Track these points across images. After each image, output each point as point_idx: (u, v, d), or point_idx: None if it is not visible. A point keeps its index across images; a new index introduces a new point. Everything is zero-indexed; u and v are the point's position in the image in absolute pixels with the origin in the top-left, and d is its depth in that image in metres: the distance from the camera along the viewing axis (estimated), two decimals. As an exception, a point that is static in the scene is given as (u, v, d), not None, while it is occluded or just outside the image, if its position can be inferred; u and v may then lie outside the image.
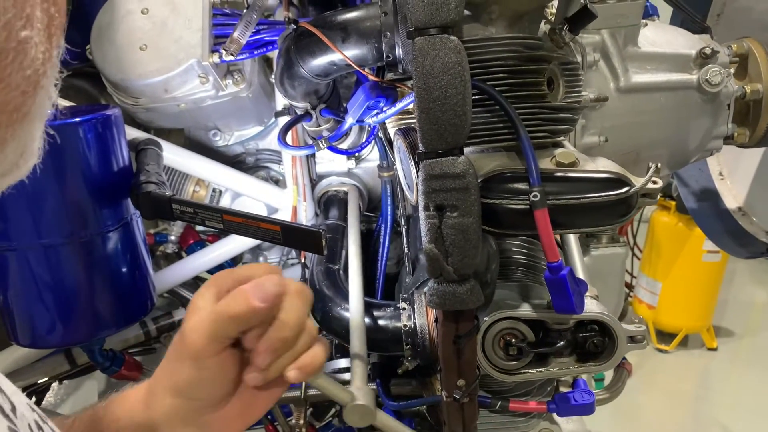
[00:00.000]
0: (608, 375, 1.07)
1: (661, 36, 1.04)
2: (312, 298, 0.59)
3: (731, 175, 1.40)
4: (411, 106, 0.87)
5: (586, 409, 0.85)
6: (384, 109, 0.88)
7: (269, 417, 1.36)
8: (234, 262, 1.45)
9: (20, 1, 0.30)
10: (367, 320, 0.97)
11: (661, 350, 3.53)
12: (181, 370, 0.56)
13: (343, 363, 1.14)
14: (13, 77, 0.31)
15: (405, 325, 0.94)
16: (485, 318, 0.75)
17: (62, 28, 0.35)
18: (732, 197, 1.38)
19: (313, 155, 1.31)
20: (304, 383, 1.02)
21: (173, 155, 1.20)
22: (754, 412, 3.01)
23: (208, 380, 0.56)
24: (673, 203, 3.26)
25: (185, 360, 0.55)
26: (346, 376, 1.24)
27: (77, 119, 0.96)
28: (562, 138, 0.77)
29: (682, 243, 3.32)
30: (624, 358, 0.94)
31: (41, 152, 0.37)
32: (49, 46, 0.33)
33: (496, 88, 0.68)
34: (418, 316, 0.94)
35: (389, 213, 1.27)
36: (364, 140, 1.23)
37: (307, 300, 0.57)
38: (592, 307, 0.76)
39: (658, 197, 0.69)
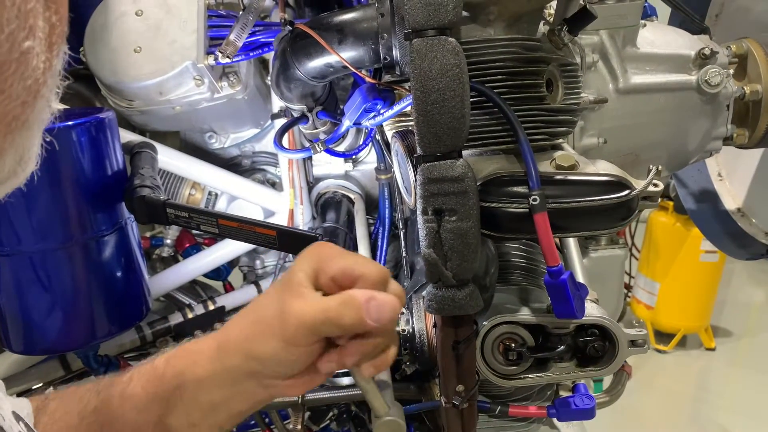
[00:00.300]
0: (607, 377, 1.07)
1: (659, 37, 1.03)
2: (405, 302, 0.60)
3: (730, 176, 1.39)
4: (408, 108, 0.86)
5: (587, 413, 0.84)
6: (381, 111, 0.87)
7: (266, 421, 1.35)
8: (231, 265, 1.44)
9: (24, 11, 0.30)
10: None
11: (659, 350, 3.53)
12: (265, 344, 0.56)
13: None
14: (14, 88, 0.31)
15: (403, 330, 0.94)
16: (484, 323, 0.74)
17: (63, 36, 0.34)
18: (731, 198, 1.38)
19: (310, 158, 1.30)
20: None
21: (168, 158, 1.19)
22: (753, 412, 3.01)
23: (289, 361, 0.57)
24: (671, 203, 3.26)
25: (276, 338, 0.55)
26: (344, 380, 1.24)
27: (71, 122, 0.94)
28: (561, 140, 0.76)
29: (680, 243, 3.32)
30: (624, 361, 0.93)
31: (39, 159, 0.37)
32: (50, 55, 0.33)
33: (495, 90, 0.68)
34: (417, 320, 0.93)
35: (387, 216, 1.26)
36: (361, 142, 1.23)
37: (402, 306, 0.58)
38: (592, 311, 0.76)
39: (659, 200, 0.68)
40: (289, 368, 0.58)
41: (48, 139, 0.38)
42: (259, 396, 0.60)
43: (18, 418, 0.52)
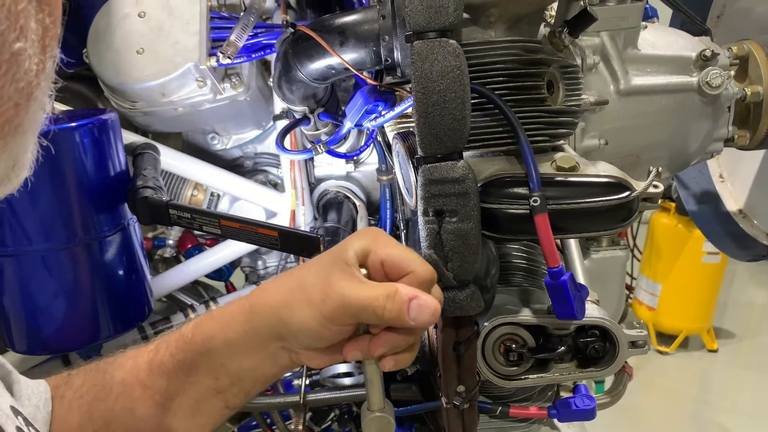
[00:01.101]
0: (609, 378, 1.07)
1: (660, 38, 1.03)
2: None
3: (732, 177, 1.39)
4: (410, 110, 0.86)
5: (588, 414, 0.84)
6: (383, 113, 0.88)
7: (268, 421, 1.35)
8: (233, 266, 1.44)
9: (14, 12, 0.30)
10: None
11: (661, 352, 3.53)
12: (302, 313, 0.56)
13: (342, 368, 1.13)
14: (6, 90, 0.31)
15: (404, 331, 0.94)
16: (485, 323, 0.75)
17: (57, 38, 0.34)
18: (732, 200, 1.38)
19: (311, 159, 1.30)
20: (303, 388, 1.02)
21: (171, 159, 1.20)
22: (755, 414, 3.01)
23: (320, 336, 0.57)
24: (673, 205, 3.26)
25: (314, 311, 0.56)
26: (345, 380, 1.24)
27: (73, 123, 0.95)
28: (562, 141, 0.77)
29: (682, 244, 3.32)
30: (625, 361, 0.93)
31: (33, 164, 0.37)
32: (44, 57, 0.33)
33: (496, 92, 0.68)
34: (418, 321, 0.93)
35: (388, 217, 1.26)
36: (362, 144, 1.23)
37: (437, 316, 0.58)
38: (593, 312, 0.76)
39: (659, 201, 0.68)
40: (317, 341, 0.58)
41: (44, 144, 0.38)
42: (284, 362, 0.60)
43: (17, 413, 0.52)
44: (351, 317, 0.56)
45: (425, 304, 0.55)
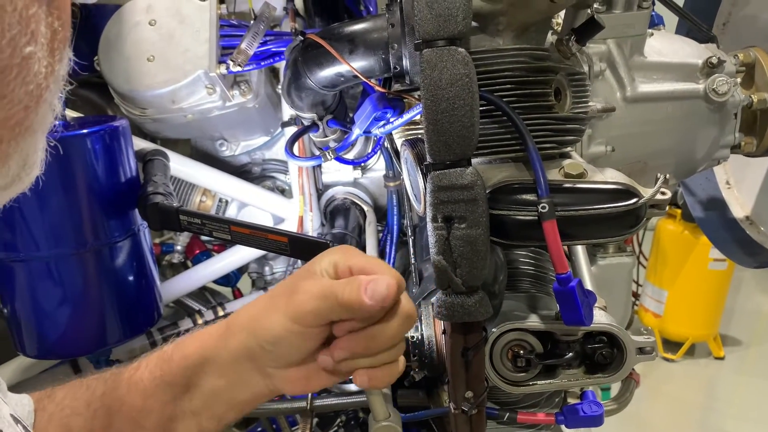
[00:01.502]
0: (615, 385, 1.07)
1: (667, 45, 1.04)
2: (415, 323, 0.60)
3: (738, 184, 1.39)
4: (418, 116, 0.87)
5: (595, 420, 0.84)
6: (391, 120, 0.88)
7: (274, 427, 1.36)
8: (240, 271, 1.45)
9: (25, 16, 0.30)
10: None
11: (667, 359, 3.51)
12: (270, 320, 0.57)
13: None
14: (16, 92, 0.31)
15: (412, 336, 0.94)
16: (493, 329, 0.75)
17: (66, 42, 0.35)
18: (739, 206, 1.38)
19: (319, 165, 1.31)
20: (310, 394, 1.02)
21: (180, 165, 1.21)
22: (762, 421, 2.99)
23: (290, 343, 0.57)
24: (679, 211, 3.25)
25: (281, 315, 0.56)
26: (352, 386, 1.24)
27: (85, 130, 0.96)
28: (569, 148, 0.77)
29: (688, 251, 3.31)
30: (632, 368, 0.93)
31: (43, 164, 0.38)
32: (52, 60, 0.33)
33: (504, 99, 0.68)
34: (426, 327, 0.94)
35: (395, 223, 1.27)
36: (370, 150, 1.24)
37: (409, 325, 0.58)
38: (600, 318, 0.76)
39: (667, 208, 0.69)
40: (289, 351, 0.57)
41: (53, 144, 0.38)
42: (258, 387, 0.60)
43: (17, 420, 0.53)
44: (314, 313, 0.55)
45: (379, 280, 0.54)
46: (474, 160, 0.66)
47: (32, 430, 0.62)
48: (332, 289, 0.55)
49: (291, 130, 1.25)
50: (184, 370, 0.60)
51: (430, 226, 0.65)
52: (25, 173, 0.36)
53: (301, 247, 0.94)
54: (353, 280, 0.55)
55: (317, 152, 1.18)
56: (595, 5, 0.90)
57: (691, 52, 1.03)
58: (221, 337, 0.60)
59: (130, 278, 1.05)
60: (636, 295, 3.51)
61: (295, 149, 1.16)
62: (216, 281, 1.39)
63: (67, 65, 0.36)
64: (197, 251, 1.41)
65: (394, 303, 0.56)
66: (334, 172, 1.33)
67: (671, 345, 3.54)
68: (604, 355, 0.76)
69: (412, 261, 1.14)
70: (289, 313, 0.55)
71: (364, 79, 0.87)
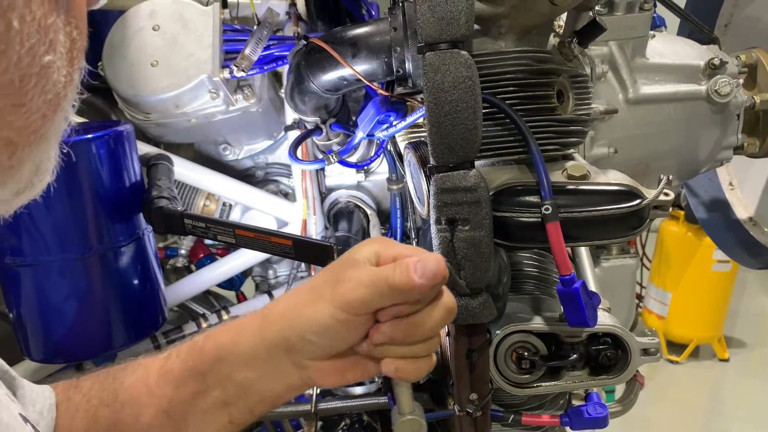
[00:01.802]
0: (620, 387, 1.07)
1: (669, 47, 1.04)
2: (454, 317, 0.59)
3: (741, 185, 1.39)
4: (421, 119, 0.87)
5: (600, 422, 0.84)
6: (394, 123, 0.89)
7: (278, 430, 1.36)
8: (244, 275, 1.45)
9: (44, 26, 0.30)
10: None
11: (672, 361, 3.50)
12: (315, 310, 0.56)
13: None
14: (35, 101, 0.31)
15: (416, 339, 0.94)
16: (497, 331, 0.75)
17: (83, 50, 0.35)
18: (743, 207, 1.38)
19: (322, 169, 1.32)
20: (315, 396, 1.02)
21: (184, 170, 1.21)
22: (767, 423, 2.98)
23: (336, 332, 0.56)
24: (682, 213, 3.24)
25: (326, 304, 0.55)
26: (356, 390, 1.24)
27: (90, 135, 0.97)
28: (572, 150, 0.77)
29: (692, 253, 3.30)
30: (637, 370, 0.93)
31: (55, 171, 0.38)
32: (71, 69, 0.34)
33: (507, 102, 0.69)
34: (430, 329, 0.94)
35: (398, 226, 1.27)
36: (373, 153, 1.24)
37: (450, 316, 0.57)
38: (604, 319, 0.76)
39: (670, 209, 0.69)
40: (333, 342, 0.56)
41: (65, 151, 0.38)
42: (293, 378, 0.59)
43: (25, 420, 0.53)
44: (363, 300, 0.54)
45: (428, 258, 0.54)
46: (477, 163, 0.66)
47: (53, 424, 0.61)
48: (381, 273, 0.54)
49: (294, 134, 1.25)
50: (216, 360, 0.59)
51: (433, 228, 0.65)
52: (37, 180, 0.36)
53: (305, 250, 0.94)
54: (401, 263, 0.54)
55: (320, 156, 1.18)
56: (596, 7, 0.91)
57: (693, 53, 1.04)
58: (258, 329, 0.59)
59: (135, 282, 1.05)
60: (640, 297, 3.50)
61: (299, 153, 1.17)
62: (220, 285, 1.39)
63: (81, 73, 0.36)
64: (201, 255, 1.42)
65: (441, 285, 0.56)
66: (337, 175, 1.33)
67: (675, 347, 3.53)
68: (609, 356, 0.76)
69: (416, 264, 1.14)
70: (336, 301, 0.55)
71: (367, 83, 0.88)
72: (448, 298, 0.57)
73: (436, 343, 0.59)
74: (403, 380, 0.59)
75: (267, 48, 1.12)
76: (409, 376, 0.58)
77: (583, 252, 0.99)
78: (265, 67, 1.13)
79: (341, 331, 0.56)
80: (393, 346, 0.56)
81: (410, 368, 0.58)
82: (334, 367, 0.59)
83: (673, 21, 1.20)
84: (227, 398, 0.60)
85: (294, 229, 1.28)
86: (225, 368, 0.59)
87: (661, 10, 1.11)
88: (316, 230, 1.29)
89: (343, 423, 1.39)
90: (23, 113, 0.31)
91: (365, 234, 1.29)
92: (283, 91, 1.19)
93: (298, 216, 1.28)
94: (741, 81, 1.04)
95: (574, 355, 0.75)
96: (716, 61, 1.00)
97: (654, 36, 1.03)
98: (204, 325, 1.30)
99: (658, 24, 1.16)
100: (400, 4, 0.83)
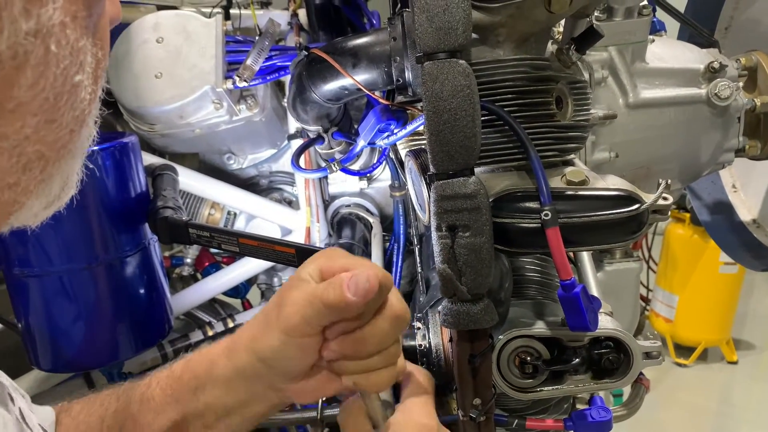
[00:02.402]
0: (626, 391, 1.07)
1: (668, 51, 1.05)
2: (407, 325, 0.59)
3: (744, 187, 1.39)
4: (421, 127, 0.88)
5: (604, 426, 0.84)
6: (395, 131, 0.89)
7: (286, 438, 1.36)
8: (249, 283, 1.46)
9: (75, 49, 0.33)
10: (382, 340, 0.97)
11: (680, 364, 3.48)
12: (266, 338, 0.57)
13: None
14: (65, 117, 0.34)
15: (420, 345, 0.95)
16: (500, 336, 0.75)
17: (105, 69, 0.38)
18: (746, 210, 1.38)
19: (325, 177, 1.32)
20: (321, 403, 1.03)
21: (188, 179, 1.23)
22: (778, 426, 2.95)
23: (290, 356, 0.57)
24: (688, 215, 3.24)
25: (274, 330, 0.56)
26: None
27: (96, 147, 0.98)
28: (572, 156, 0.78)
29: (698, 255, 3.29)
30: (641, 374, 0.93)
31: (79, 184, 0.40)
32: (96, 87, 0.36)
33: (505, 109, 0.69)
34: (433, 335, 0.94)
35: (401, 232, 1.28)
36: (375, 161, 1.25)
37: (400, 327, 0.57)
38: (606, 323, 0.76)
39: (670, 213, 0.69)
40: (291, 365, 0.57)
41: (90, 167, 0.40)
42: (273, 400, 0.61)
43: (44, 431, 0.54)
44: (303, 322, 0.54)
45: (359, 274, 0.53)
46: (477, 170, 0.67)
47: None
48: (316, 292, 0.54)
49: (297, 143, 1.27)
50: (194, 389, 0.61)
51: (434, 235, 0.66)
52: (64, 193, 0.39)
53: (308, 258, 0.95)
54: (334, 280, 0.54)
55: (323, 164, 1.19)
56: (595, 13, 0.91)
57: (692, 57, 1.04)
58: (228, 359, 0.60)
59: (141, 291, 1.06)
60: (646, 300, 3.49)
61: (302, 161, 1.18)
62: (225, 293, 1.40)
63: (103, 91, 0.38)
64: (206, 264, 1.43)
65: (380, 299, 0.55)
66: (340, 183, 1.34)
67: (683, 350, 3.51)
68: (611, 360, 0.76)
69: (419, 270, 1.14)
70: (282, 325, 0.55)
71: (368, 92, 0.89)
72: (395, 305, 0.57)
73: (394, 353, 0.59)
74: (367, 393, 0.59)
75: (269, 58, 1.13)
76: (371, 389, 0.59)
77: (585, 256, 1.00)
78: (268, 78, 1.14)
79: (295, 353, 0.56)
80: (348, 361, 0.57)
81: (370, 381, 0.58)
82: (308, 386, 0.59)
83: (672, 25, 1.21)
84: (208, 422, 0.62)
85: (298, 237, 1.29)
86: (204, 396, 0.61)
87: (661, 15, 1.12)
88: (319, 238, 1.30)
89: (349, 429, 1.39)
90: (54, 128, 0.34)
91: (368, 241, 1.30)
92: (285, 100, 1.20)
93: (301, 224, 1.29)
94: (741, 84, 1.04)
95: (577, 359, 0.75)
96: (716, 65, 1.00)
97: (653, 40, 1.03)
98: (210, 333, 1.31)
99: (657, 28, 1.17)
100: (400, 15, 0.84)
